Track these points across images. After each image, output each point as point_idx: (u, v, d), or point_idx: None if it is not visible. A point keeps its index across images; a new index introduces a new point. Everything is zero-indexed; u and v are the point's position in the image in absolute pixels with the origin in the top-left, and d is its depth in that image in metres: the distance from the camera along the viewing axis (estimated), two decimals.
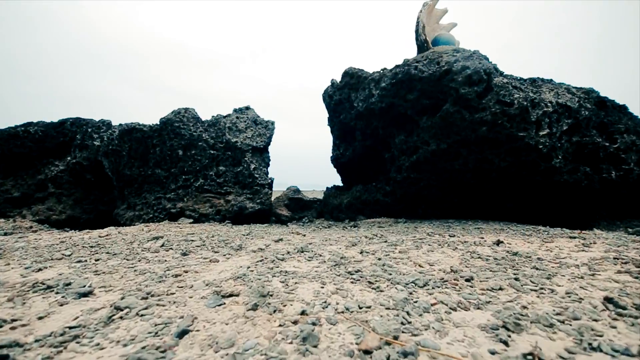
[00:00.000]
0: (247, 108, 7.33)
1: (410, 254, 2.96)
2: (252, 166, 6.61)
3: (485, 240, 3.58)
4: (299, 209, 8.36)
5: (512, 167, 4.74)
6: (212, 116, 7.02)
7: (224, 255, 3.03)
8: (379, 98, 5.46)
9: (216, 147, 6.84)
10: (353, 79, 6.13)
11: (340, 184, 8.66)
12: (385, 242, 3.64)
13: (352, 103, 6.23)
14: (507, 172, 4.78)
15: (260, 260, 2.75)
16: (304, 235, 4.36)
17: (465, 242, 3.52)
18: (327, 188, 8.27)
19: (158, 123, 6.76)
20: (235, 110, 7.15)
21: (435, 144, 5.00)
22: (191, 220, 6.26)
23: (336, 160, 7.65)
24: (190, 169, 6.78)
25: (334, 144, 7.55)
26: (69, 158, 7.69)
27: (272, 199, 9.80)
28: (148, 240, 3.77)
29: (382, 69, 5.66)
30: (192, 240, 3.77)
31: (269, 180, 6.71)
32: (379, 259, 2.73)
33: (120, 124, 7.06)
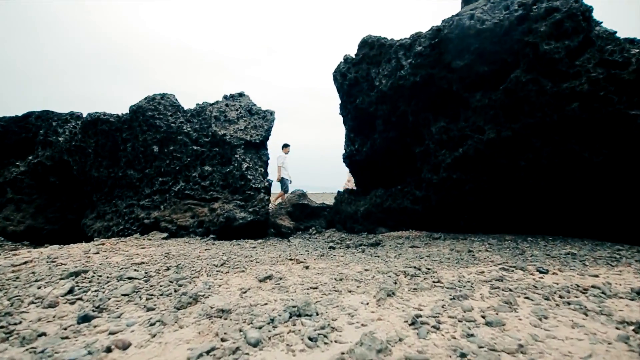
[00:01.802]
0: (241, 95, 5.97)
1: (511, 330, 1.49)
2: (245, 165, 5.22)
3: (616, 285, 2.07)
4: (305, 217, 6.93)
5: (611, 164, 3.20)
6: (197, 104, 5.68)
7: (154, 323, 1.62)
8: (411, 70, 4.00)
9: (200, 141, 5.48)
10: (373, 50, 4.69)
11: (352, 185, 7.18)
12: (442, 286, 2.17)
13: (372, 82, 4.79)
14: (600, 171, 3.25)
15: (211, 351, 1.33)
16: (307, 267, 2.93)
17: (583, 289, 2.02)
18: (339, 192, 6.82)
19: (128, 112, 5.44)
20: (225, 97, 5.80)
21: (493, 131, 3.52)
22: (165, 235, 4.89)
23: (350, 158, 6.20)
24: (168, 169, 5.44)
25: (347, 137, 6.11)
26: (30, 157, 6.45)
27: (273, 205, 8.42)
28: (60, 278, 2.39)
29: (414, 33, 4.19)
30: (129, 279, 2.37)
31: (266, 183, 5.31)
32: (462, 355, 1.26)
33: (87, 114, 5.78)
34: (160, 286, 2.24)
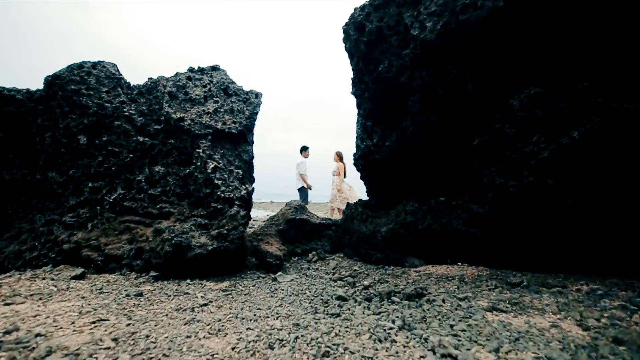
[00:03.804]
0: (214, 68, 4.28)
1: None
2: (211, 165, 3.48)
3: None
4: (303, 237, 5.16)
5: None
6: (149, 78, 3.98)
7: None
8: None
9: (149, 130, 3.76)
10: None
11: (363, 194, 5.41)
12: None
13: (406, 33, 3.07)
14: None
15: None
16: None
17: None
18: (349, 205, 5.06)
19: (43, 87, 3.75)
20: (190, 70, 4.11)
21: None
22: (80, 272, 3.13)
23: (364, 158, 4.46)
24: (101, 169, 3.71)
25: (361, 128, 4.37)
26: None
27: (260, 223, 6.65)
28: None
29: None
30: None
31: (244, 192, 3.56)
32: None
33: None
34: None
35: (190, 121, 3.57)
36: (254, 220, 10.68)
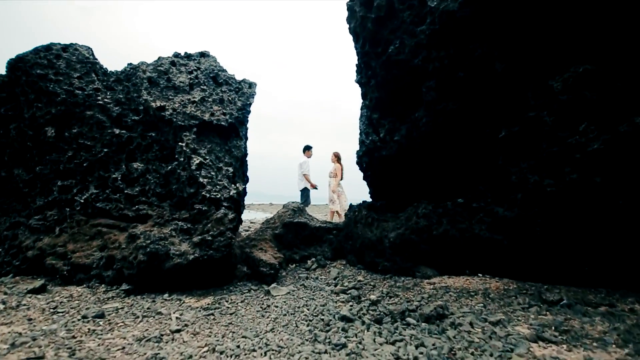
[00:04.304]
0: (203, 55, 3.84)
1: None
2: (196, 161, 3.03)
3: None
4: (302, 242, 4.70)
5: None
6: (129, 64, 3.53)
7: None
8: None
9: (126, 121, 3.31)
10: None
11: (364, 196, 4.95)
12: None
13: (422, 6, 2.63)
14: None
15: None
16: None
17: None
18: (352, 206, 4.61)
19: (5, 72, 3.30)
20: (175, 55, 3.67)
21: None
22: (40, 283, 2.67)
23: (369, 155, 4.01)
24: (71, 166, 3.26)
25: (366, 121, 3.93)
26: None
27: (258, 225, 6.18)
28: None
29: None
30: None
31: (234, 192, 3.11)
32: None
33: None
34: None
35: (173, 111, 3.12)
36: (251, 222, 10.21)
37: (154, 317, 2.12)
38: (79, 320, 1.99)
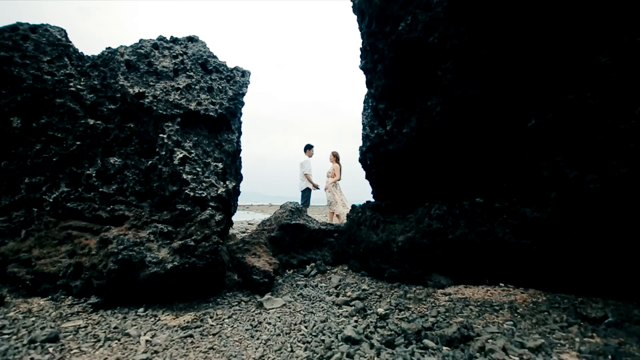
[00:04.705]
0: (191, 39, 3.48)
1: None
2: (180, 155, 2.67)
3: None
4: (300, 245, 4.33)
5: None
6: (107, 47, 3.16)
7: None
8: None
9: (101, 110, 2.94)
10: None
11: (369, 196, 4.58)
12: None
13: None
14: None
15: None
16: None
17: None
18: (354, 207, 4.24)
19: None
20: (159, 38, 3.30)
21: None
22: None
23: (375, 150, 3.65)
24: (39, 160, 2.89)
25: (371, 112, 3.56)
26: None
27: (253, 227, 5.83)
28: None
29: None
30: None
31: (222, 191, 2.74)
32: None
33: None
34: None
35: (153, 98, 2.75)
36: (249, 224, 9.82)
37: (119, 340, 1.75)
38: (24, 345, 1.62)
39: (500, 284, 2.72)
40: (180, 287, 2.41)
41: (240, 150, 3.95)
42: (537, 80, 2.18)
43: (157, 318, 2.10)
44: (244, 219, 13.51)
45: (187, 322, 2.06)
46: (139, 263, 2.26)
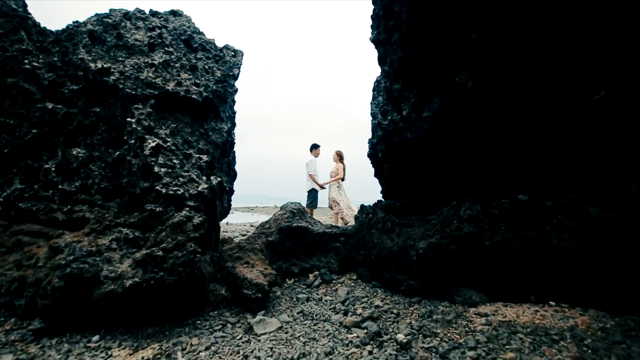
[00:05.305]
0: (174, 13, 3.00)
1: None
2: (151, 144, 2.18)
3: None
4: (302, 251, 3.81)
5: None
6: (74, 21, 2.68)
7: None
8: None
9: (62, 92, 2.46)
10: None
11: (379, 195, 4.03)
12: None
13: None
14: None
15: None
16: None
17: None
18: (363, 207, 3.72)
19: None
20: (136, 10, 2.82)
21: None
22: None
23: (388, 140, 3.12)
24: None
25: (384, 95, 3.04)
26: None
27: (250, 232, 5.38)
28: None
29: None
30: None
31: (203, 188, 2.24)
32: None
33: None
34: None
35: (120, 75, 2.26)
36: (251, 226, 9.34)
37: None
38: None
39: (550, 303, 2.16)
40: (147, 307, 1.91)
41: (234, 143, 3.46)
42: (609, 38, 1.64)
43: (109, 354, 1.60)
44: (247, 221, 13.05)
45: (148, 359, 1.55)
46: (92, 278, 1.77)
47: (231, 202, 3.52)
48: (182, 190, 2.13)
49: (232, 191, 3.46)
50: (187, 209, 2.10)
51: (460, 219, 2.31)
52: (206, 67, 2.84)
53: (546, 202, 2.00)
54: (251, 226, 9.58)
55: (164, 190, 2.07)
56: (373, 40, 2.76)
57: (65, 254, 1.86)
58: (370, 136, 3.52)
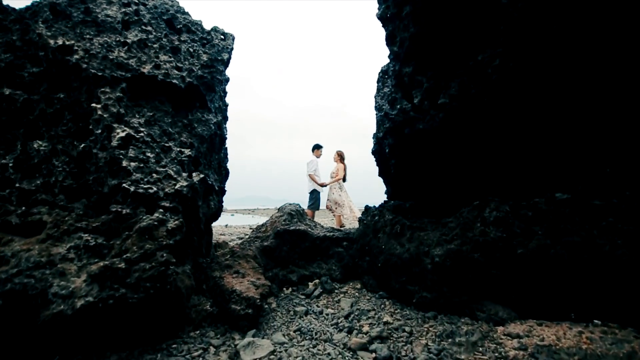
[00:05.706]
0: None
1: None
2: (120, 134, 1.85)
3: None
4: (301, 257, 3.46)
5: None
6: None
7: None
8: None
9: (21, 76, 2.13)
10: None
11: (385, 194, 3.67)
12: None
13: None
14: None
15: None
16: None
17: None
18: (368, 208, 3.37)
19: None
20: None
21: None
22: None
23: (396, 133, 2.77)
24: None
25: (394, 80, 2.69)
26: None
27: (248, 234, 5.10)
28: None
29: None
30: None
31: (182, 185, 1.90)
32: None
33: None
34: None
35: (85, 53, 1.93)
36: (250, 228, 9.00)
37: None
38: None
39: (595, 322, 1.81)
40: (109, 330, 1.56)
41: (225, 138, 3.12)
42: None
43: None
44: (247, 223, 12.72)
45: None
46: (38, 296, 1.43)
47: (222, 204, 3.17)
48: (155, 189, 1.79)
49: (223, 191, 3.12)
50: (161, 210, 1.76)
51: (485, 221, 1.96)
52: (190, 49, 2.51)
53: (593, 201, 1.65)
54: (250, 229, 9.24)
55: (132, 189, 1.73)
56: (380, 17, 2.42)
57: (10, 265, 1.52)
58: (372, 135, 3.17)
